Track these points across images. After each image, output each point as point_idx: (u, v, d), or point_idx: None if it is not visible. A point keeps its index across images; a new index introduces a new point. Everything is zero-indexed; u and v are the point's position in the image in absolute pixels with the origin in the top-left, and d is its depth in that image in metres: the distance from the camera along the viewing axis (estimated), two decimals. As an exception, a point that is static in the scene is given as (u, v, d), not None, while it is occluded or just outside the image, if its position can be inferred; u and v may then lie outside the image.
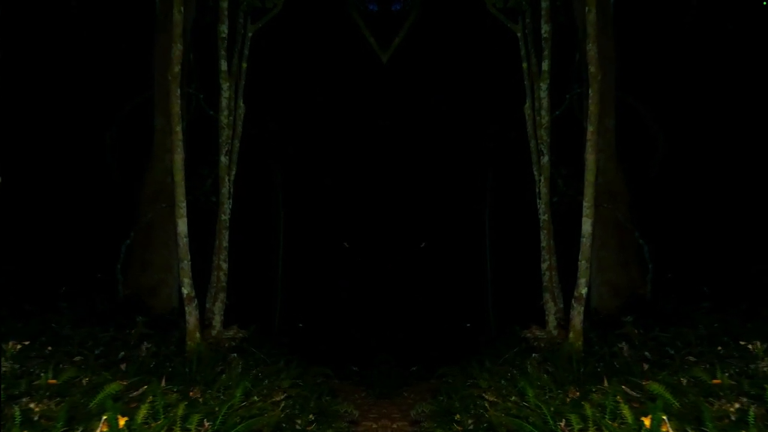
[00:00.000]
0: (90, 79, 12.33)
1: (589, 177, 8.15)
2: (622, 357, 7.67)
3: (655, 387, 5.63)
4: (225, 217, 9.56)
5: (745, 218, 12.54)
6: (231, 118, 9.76)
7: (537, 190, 9.88)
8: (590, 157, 8.14)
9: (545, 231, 9.73)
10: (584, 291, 8.06)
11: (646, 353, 7.69)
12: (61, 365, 6.49)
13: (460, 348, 11.44)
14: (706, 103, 13.23)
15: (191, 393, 6.62)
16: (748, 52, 12.90)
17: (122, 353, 7.55)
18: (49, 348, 7.33)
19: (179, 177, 8.16)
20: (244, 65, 9.83)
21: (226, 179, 9.53)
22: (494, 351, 9.12)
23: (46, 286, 10.74)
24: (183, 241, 8.19)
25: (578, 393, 6.46)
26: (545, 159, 9.75)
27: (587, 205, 8.17)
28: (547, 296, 9.50)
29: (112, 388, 5.02)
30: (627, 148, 11.51)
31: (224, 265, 9.54)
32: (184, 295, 8.18)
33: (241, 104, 9.79)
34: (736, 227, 12.62)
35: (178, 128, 8.12)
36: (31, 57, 11.88)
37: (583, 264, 8.12)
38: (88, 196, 12.10)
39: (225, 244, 9.55)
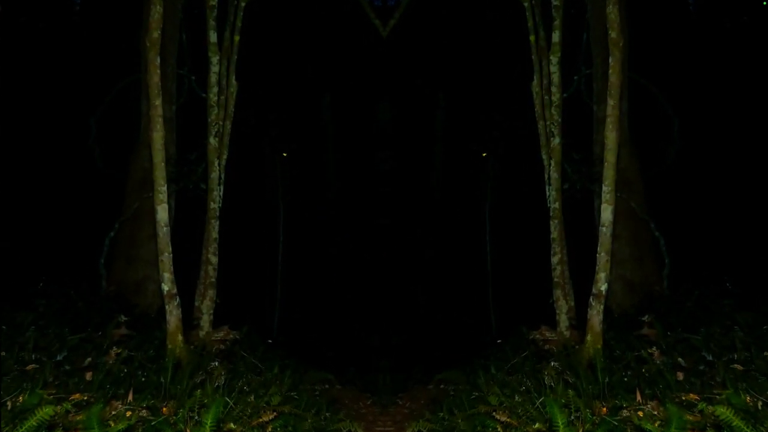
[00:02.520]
0: (74, 61, 11.02)
1: (609, 157, 6.81)
2: (652, 363, 6.39)
3: (722, 411, 4.35)
4: (215, 205, 8.21)
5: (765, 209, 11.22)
6: (222, 97, 8.43)
7: (546, 176, 8.52)
8: (611, 135, 6.80)
9: (556, 221, 8.36)
10: (604, 287, 6.74)
11: (680, 359, 6.42)
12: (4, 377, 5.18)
13: (460, 348, 10.14)
14: (723, 85, 11.90)
15: (164, 409, 5.30)
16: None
17: (89, 359, 6.23)
18: (2, 353, 6.02)
19: (159, 158, 6.83)
20: (237, 38, 8.46)
21: (216, 163, 8.19)
22: (500, 355, 7.73)
23: (22, 280, 9.43)
24: (163, 231, 6.86)
25: (606, 409, 5.24)
26: (556, 141, 8.38)
27: (607, 189, 6.83)
28: (558, 293, 8.15)
29: (45, 412, 3.69)
30: (640, 134, 10.27)
31: (214, 259, 8.20)
32: (164, 292, 6.85)
33: (234, 81, 8.43)
34: (756, 219, 11.31)
35: (158, 102, 6.78)
36: (11, 33, 10.55)
37: (602, 256, 6.79)
38: (72, 185, 10.77)
39: (215, 235, 8.20)
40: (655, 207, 10.13)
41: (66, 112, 10.87)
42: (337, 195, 13.79)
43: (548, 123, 8.45)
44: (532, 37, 8.75)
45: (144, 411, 5.17)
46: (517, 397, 5.54)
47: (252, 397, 5.12)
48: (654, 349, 6.72)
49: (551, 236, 8.35)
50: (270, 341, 8.99)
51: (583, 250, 8.27)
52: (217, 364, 5.77)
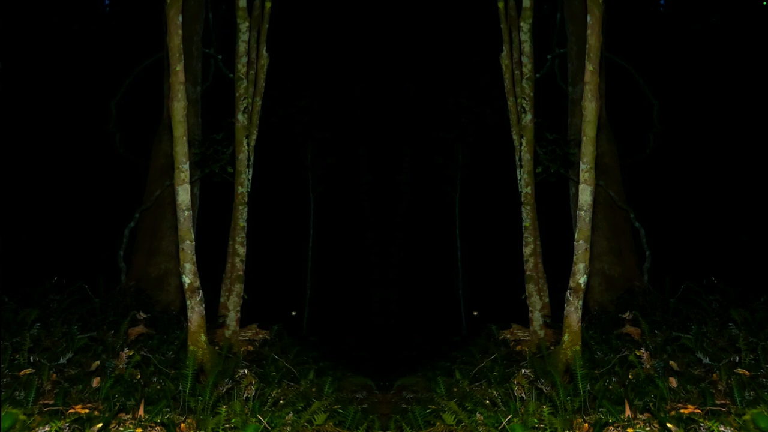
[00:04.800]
0: (94, 41, 10.02)
1: (588, 130, 5.66)
2: (640, 368, 5.26)
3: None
4: (243, 189, 7.11)
5: (750, 201, 10.05)
6: (252, 71, 7.35)
7: (517, 158, 7.32)
8: (590, 105, 5.64)
9: (528, 207, 7.15)
10: (583, 279, 5.62)
11: (671, 362, 5.31)
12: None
13: (429, 348, 9.04)
14: (706, 67, 10.67)
15: (182, 425, 4.20)
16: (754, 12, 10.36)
17: (97, 362, 5.15)
18: (-5, 355, 4.97)
19: (180, 131, 5.74)
20: (268, 5, 7.32)
21: (245, 143, 7.09)
22: (467, 356, 6.51)
23: (36, 274, 8.43)
24: (184, 215, 5.76)
25: (588, 425, 4.23)
26: (528, 117, 7.16)
27: (586, 167, 5.69)
28: (531, 288, 6.97)
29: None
30: (618, 118, 9.13)
31: (241, 250, 7.10)
32: (185, 285, 5.75)
33: (265, 53, 7.31)
34: (741, 209, 10.21)
35: (179, 67, 5.70)
36: (25, 11, 9.57)
37: (581, 245, 5.65)
38: (91, 173, 9.74)
39: (243, 223, 7.11)
40: (633, 196, 9.09)
41: (84, 95, 9.86)
42: (369, 190, 12.70)
43: (519, 99, 7.25)
44: (500, 4, 7.49)
45: (157, 428, 4.07)
46: (479, 414, 4.36)
47: (290, 414, 3.97)
48: (642, 350, 5.63)
49: (523, 224, 7.20)
50: (304, 340, 7.89)
51: (558, 241, 7.48)
52: (246, 371, 4.64)
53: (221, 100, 8.71)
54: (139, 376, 4.99)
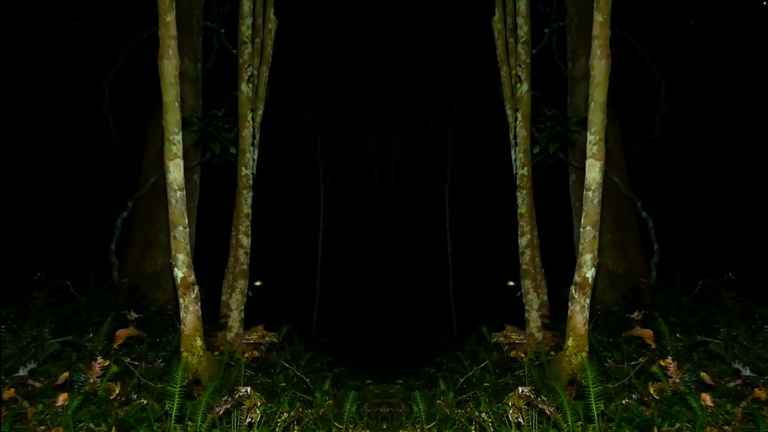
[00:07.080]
0: (84, 15, 8.94)
1: (598, 95, 4.59)
2: (665, 381, 4.12)
3: None
4: (247, 171, 6.00)
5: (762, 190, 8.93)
6: (258, 39, 6.24)
7: (512, 135, 6.12)
8: (599, 64, 4.59)
9: (524, 191, 5.94)
10: (590, 273, 4.60)
11: (703, 375, 4.16)
12: None
13: (417, 350, 8.21)
14: (718, 44, 9.53)
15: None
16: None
17: (65, 375, 4.04)
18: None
19: (171, 96, 4.65)
20: (275, -40, 6.28)
21: (249, 117, 5.98)
22: (453, 363, 5.45)
23: (21, 270, 7.35)
24: (176, 196, 4.66)
25: None
26: (524, 88, 5.95)
27: (595, 138, 4.60)
28: (527, 284, 5.78)
29: None
30: (622, 100, 8.00)
31: (246, 241, 5.98)
32: (178, 280, 4.68)
33: (272, 16, 6.21)
34: (756, 200, 9.07)
35: (170, 17, 4.63)
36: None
37: (588, 232, 4.60)
38: (82, 159, 8.65)
39: (247, 210, 5.99)
40: (639, 184, 8.00)
41: (75, 76, 8.77)
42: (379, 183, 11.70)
43: (513, 69, 6.01)
44: None
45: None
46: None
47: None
48: (669, 360, 4.45)
49: (518, 211, 5.95)
50: (314, 342, 6.81)
51: (556, 234, 6.73)
52: (249, 389, 3.52)
53: (224, 81, 7.65)
54: (117, 392, 3.89)
